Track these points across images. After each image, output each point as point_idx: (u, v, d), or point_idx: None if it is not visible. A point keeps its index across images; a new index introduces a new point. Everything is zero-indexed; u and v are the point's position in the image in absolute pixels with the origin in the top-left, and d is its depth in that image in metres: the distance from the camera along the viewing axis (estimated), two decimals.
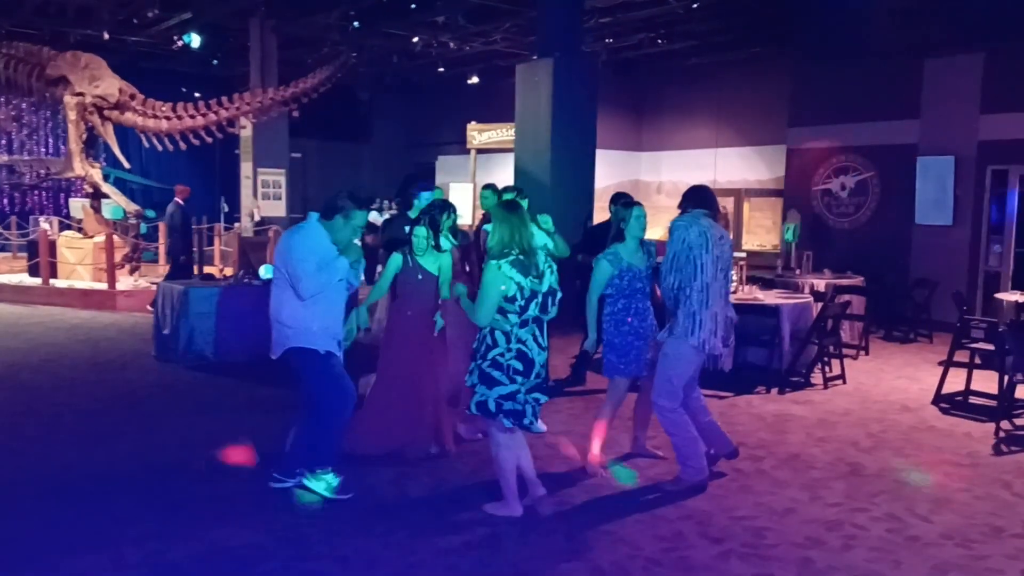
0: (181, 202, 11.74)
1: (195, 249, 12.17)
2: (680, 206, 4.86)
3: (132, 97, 12.51)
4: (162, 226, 13.24)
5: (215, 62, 17.43)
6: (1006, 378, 6.15)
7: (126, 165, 13.56)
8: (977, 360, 6.81)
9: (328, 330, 4.41)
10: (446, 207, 5.57)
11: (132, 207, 12.79)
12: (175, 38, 14.68)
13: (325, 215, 4.36)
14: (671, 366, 4.69)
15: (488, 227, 5.32)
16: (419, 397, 5.12)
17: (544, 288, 4.07)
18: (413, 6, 13.45)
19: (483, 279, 4.03)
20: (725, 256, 4.76)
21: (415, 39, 15.33)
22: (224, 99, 12.26)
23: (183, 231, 11.74)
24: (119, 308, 11.12)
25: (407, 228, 5.38)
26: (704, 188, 4.95)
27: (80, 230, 13.21)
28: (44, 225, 13.87)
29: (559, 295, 4.16)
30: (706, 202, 4.81)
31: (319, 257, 4.27)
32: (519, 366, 4.04)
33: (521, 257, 4.01)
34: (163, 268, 13.76)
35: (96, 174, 12.81)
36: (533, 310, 4.04)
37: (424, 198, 6.35)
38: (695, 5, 12.70)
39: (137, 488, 4.62)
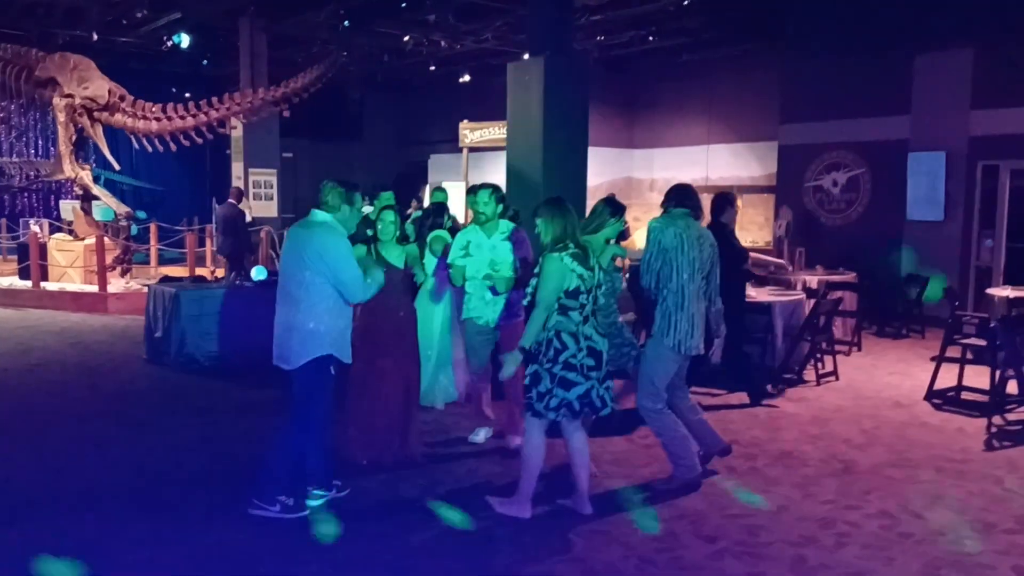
0: (235, 202, 12.01)
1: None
2: (662, 205, 4.87)
3: (122, 98, 12.44)
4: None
5: (205, 62, 17.38)
6: (998, 373, 6.17)
7: (116, 167, 13.50)
8: (969, 355, 6.82)
9: (347, 337, 4.30)
10: (442, 208, 5.58)
11: (123, 209, 12.73)
12: (164, 38, 14.64)
13: (333, 209, 4.20)
14: (651, 367, 4.70)
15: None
16: (395, 397, 4.98)
17: (595, 281, 4.17)
18: (403, 5, 13.42)
19: (543, 271, 4.05)
20: (704, 257, 4.72)
21: (406, 38, 15.31)
22: (214, 99, 12.20)
23: (240, 229, 11.95)
24: (110, 311, 11.06)
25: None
26: (686, 187, 4.90)
27: (71, 232, 13.14)
28: (34, 227, 13.80)
29: (604, 286, 4.33)
30: (687, 200, 4.80)
31: (348, 247, 4.20)
32: (591, 362, 4.10)
33: (577, 250, 4.11)
34: (155, 270, 13.73)
35: (86, 176, 12.75)
36: (591, 303, 4.12)
37: (383, 198, 6.81)
38: (686, 2, 12.71)
39: (128, 492, 4.59)
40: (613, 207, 4.87)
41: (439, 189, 7.84)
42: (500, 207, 5.27)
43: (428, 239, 5.91)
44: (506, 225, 5.29)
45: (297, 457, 4.25)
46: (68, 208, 13.93)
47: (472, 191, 5.35)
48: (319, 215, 4.23)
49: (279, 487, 4.21)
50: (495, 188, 5.31)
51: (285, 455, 4.24)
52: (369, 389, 4.95)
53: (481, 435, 5.48)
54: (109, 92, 12.36)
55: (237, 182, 14.72)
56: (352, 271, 4.14)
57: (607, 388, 4.20)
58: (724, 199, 6.45)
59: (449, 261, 5.32)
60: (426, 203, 8.27)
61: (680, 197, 4.81)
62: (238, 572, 3.65)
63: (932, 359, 7.29)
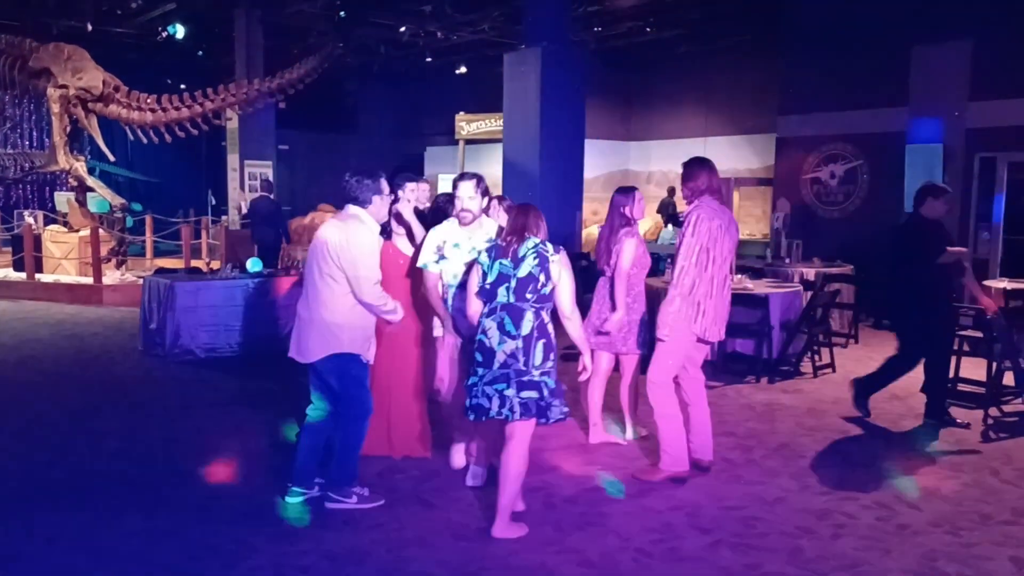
0: (267, 193, 12.17)
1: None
2: (691, 188, 4.66)
3: (116, 89, 12.37)
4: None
5: (200, 53, 17.30)
6: (994, 365, 6.16)
7: (111, 158, 13.44)
8: (965, 347, 6.82)
9: (369, 334, 4.28)
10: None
11: (117, 200, 12.68)
12: (159, 29, 14.56)
13: (364, 203, 4.15)
14: (671, 347, 4.64)
15: None
16: (408, 394, 4.94)
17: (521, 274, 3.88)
18: None
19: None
20: (732, 245, 4.71)
21: (402, 28, 15.25)
22: (209, 90, 12.14)
23: (279, 221, 12.13)
24: (105, 303, 11.03)
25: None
26: (712, 168, 4.71)
27: (65, 224, 13.09)
28: (29, 219, 13.73)
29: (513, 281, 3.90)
30: (717, 187, 4.70)
31: (374, 243, 4.17)
32: (479, 357, 3.92)
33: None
34: (150, 262, 13.68)
35: (81, 167, 12.69)
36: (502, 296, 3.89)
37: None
38: None
39: (122, 484, 4.57)
40: None
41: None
42: (485, 201, 4.65)
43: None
44: (491, 225, 4.68)
45: (345, 448, 4.23)
46: (63, 200, 13.87)
47: (455, 182, 4.69)
48: (352, 209, 4.19)
49: (350, 479, 4.26)
50: (479, 179, 4.61)
51: (347, 443, 4.23)
52: (381, 383, 4.90)
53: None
54: (103, 83, 12.29)
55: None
56: (368, 269, 4.09)
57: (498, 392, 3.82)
58: (926, 190, 6.00)
59: (419, 265, 4.63)
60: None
61: (711, 178, 4.66)
62: (231, 564, 3.63)
63: None
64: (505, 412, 3.84)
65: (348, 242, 4.07)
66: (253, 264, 8.51)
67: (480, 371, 3.89)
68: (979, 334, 6.65)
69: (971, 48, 10.47)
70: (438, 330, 4.80)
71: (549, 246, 3.95)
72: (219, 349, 7.91)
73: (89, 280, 11.50)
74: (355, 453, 4.26)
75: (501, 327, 3.86)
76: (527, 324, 3.84)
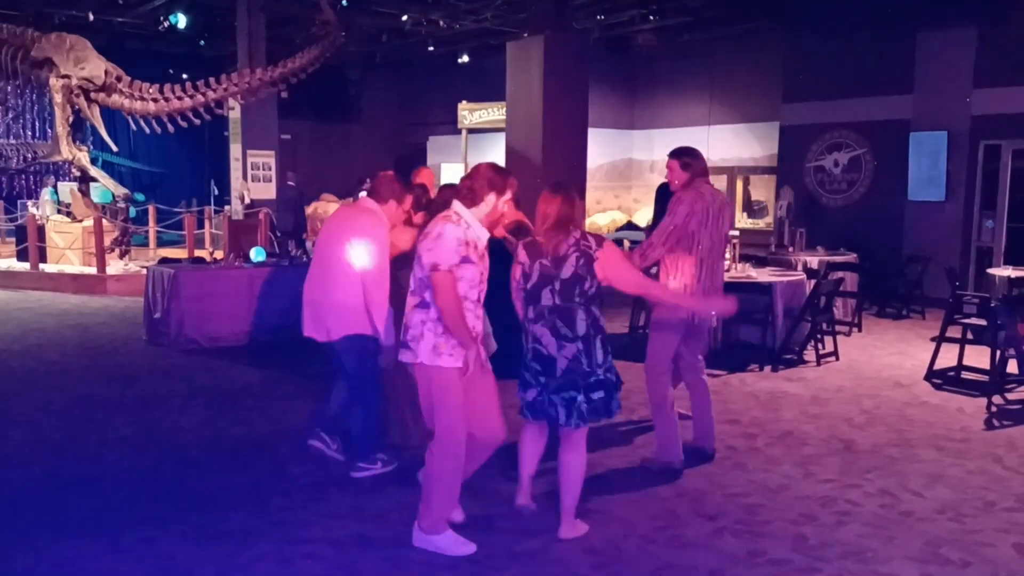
0: (294, 184, 13.06)
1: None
2: (678, 175, 4.66)
3: (119, 79, 12.36)
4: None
5: (202, 43, 17.26)
6: (998, 353, 6.16)
7: (114, 148, 13.44)
8: (969, 335, 6.82)
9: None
10: None
11: (120, 190, 12.68)
12: (161, 18, 14.52)
13: (381, 200, 4.39)
14: (662, 334, 4.65)
15: None
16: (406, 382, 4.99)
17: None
18: None
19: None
20: (724, 229, 4.71)
21: (405, 17, 15.19)
22: (212, 80, 12.12)
23: (299, 209, 13.00)
24: (109, 292, 11.05)
25: None
26: (701, 155, 4.77)
27: (69, 214, 13.10)
28: (32, 209, 13.75)
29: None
30: (706, 170, 4.74)
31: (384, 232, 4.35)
32: (538, 366, 3.75)
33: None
34: (154, 251, 13.69)
35: (83, 157, 12.69)
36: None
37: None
38: None
39: (128, 473, 4.59)
40: None
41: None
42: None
43: None
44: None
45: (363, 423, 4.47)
46: (66, 190, 13.88)
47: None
48: (368, 202, 4.42)
49: (374, 446, 4.49)
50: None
51: (366, 417, 4.44)
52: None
53: None
54: (106, 72, 12.28)
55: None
56: (370, 257, 4.23)
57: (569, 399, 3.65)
58: None
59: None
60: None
61: (701, 167, 4.68)
62: (235, 551, 3.65)
63: (932, 339, 7.27)
64: (574, 421, 3.64)
65: (363, 230, 4.30)
66: (256, 254, 8.52)
67: (542, 379, 3.66)
68: (983, 322, 6.65)
69: (976, 35, 10.43)
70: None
71: (592, 239, 3.66)
72: (224, 338, 7.92)
73: (93, 270, 11.53)
74: (373, 427, 4.47)
75: (555, 332, 3.63)
76: (581, 324, 3.62)
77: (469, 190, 3.59)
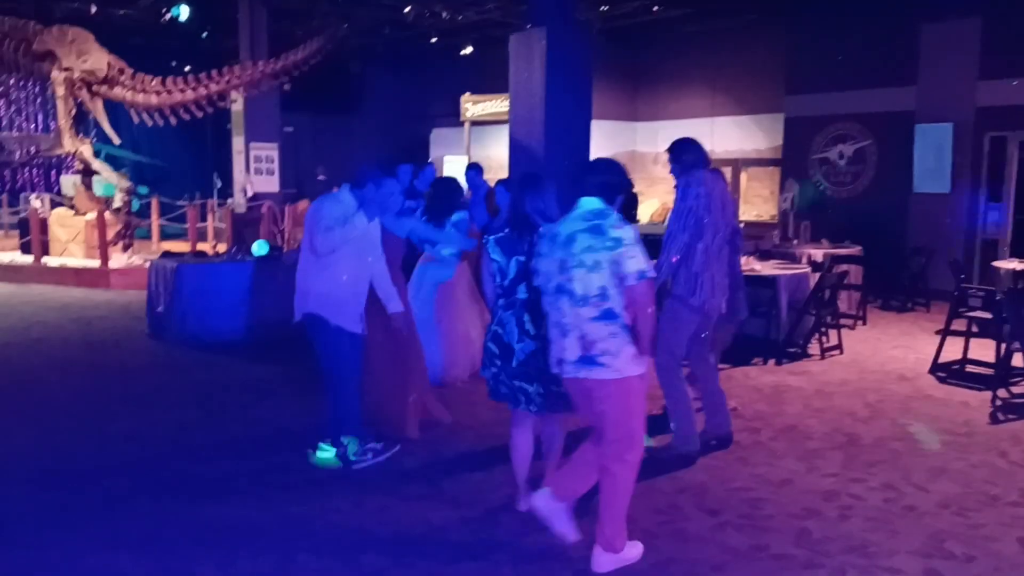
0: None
1: None
2: (683, 160, 4.65)
3: (121, 72, 12.33)
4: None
5: (204, 35, 17.18)
6: (1003, 346, 6.13)
7: (116, 141, 13.42)
8: (974, 328, 6.79)
9: (351, 301, 4.52)
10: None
11: (124, 183, 12.67)
12: (163, 11, 14.46)
13: (356, 184, 4.49)
14: (672, 326, 4.63)
15: None
16: (397, 369, 4.97)
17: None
18: None
19: None
20: (728, 218, 4.69)
21: (407, 9, 15.10)
22: (214, 73, 12.08)
23: None
24: (112, 286, 11.05)
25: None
26: (697, 142, 4.76)
27: (72, 207, 13.10)
28: (35, 203, 13.75)
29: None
30: (707, 160, 4.73)
31: (339, 216, 4.39)
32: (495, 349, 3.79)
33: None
34: (156, 245, 13.69)
35: (86, 150, 12.68)
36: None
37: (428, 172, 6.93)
38: None
39: (129, 466, 4.59)
40: None
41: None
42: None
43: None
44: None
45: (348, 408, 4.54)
46: (69, 183, 13.88)
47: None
48: (344, 187, 4.53)
49: (366, 436, 4.60)
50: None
51: (348, 409, 4.52)
52: (375, 357, 4.93)
53: None
54: (108, 65, 12.25)
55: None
56: (325, 237, 4.33)
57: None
58: None
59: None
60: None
61: (699, 153, 4.67)
62: (237, 545, 3.65)
63: (937, 332, 7.24)
64: (533, 408, 3.74)
65: (324, 214, 4.43)
66: (259, 247, 8.50)
67: (498, 362, 3.72)
68: (988, 315, 6.62)
69: (981, 26, 10.35)
70: None
71: None
72: (226, 332, 7.89)
73: (96, 263, 11.53)
74: (354, 412, 4.52)
75: (520, 324, 3.67)
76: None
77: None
